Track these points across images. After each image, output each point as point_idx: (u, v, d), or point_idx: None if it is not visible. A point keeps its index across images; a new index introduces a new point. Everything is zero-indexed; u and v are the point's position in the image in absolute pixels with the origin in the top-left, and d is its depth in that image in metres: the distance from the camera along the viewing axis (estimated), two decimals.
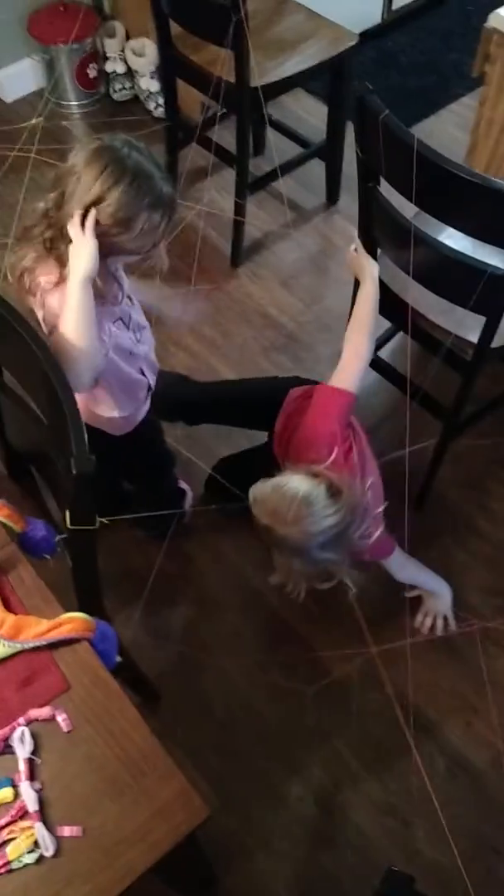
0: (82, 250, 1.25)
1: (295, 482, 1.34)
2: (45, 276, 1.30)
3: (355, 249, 1.69)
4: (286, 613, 1.83)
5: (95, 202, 1.24)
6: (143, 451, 1.72)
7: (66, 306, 1.27)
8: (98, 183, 1.23)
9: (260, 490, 1.36)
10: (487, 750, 1.66)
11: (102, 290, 1.32)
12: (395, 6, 3.05)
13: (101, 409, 1.53)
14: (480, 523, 1.98)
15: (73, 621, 1.05)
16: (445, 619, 1.79)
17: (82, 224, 1.24)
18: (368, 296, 1.61)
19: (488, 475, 2.05)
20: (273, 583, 1.73)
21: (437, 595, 1.78)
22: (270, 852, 1.55)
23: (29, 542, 1.20)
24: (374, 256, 1.67)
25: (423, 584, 1.77)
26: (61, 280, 1.29)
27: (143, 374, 1.55)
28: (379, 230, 1.65)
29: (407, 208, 1.49)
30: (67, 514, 1.07)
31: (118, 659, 1.10)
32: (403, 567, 1.69)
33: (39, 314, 1.33)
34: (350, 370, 1.56)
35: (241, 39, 1.93)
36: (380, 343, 1.97)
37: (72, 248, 1.26)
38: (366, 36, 2.77)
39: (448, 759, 1.65)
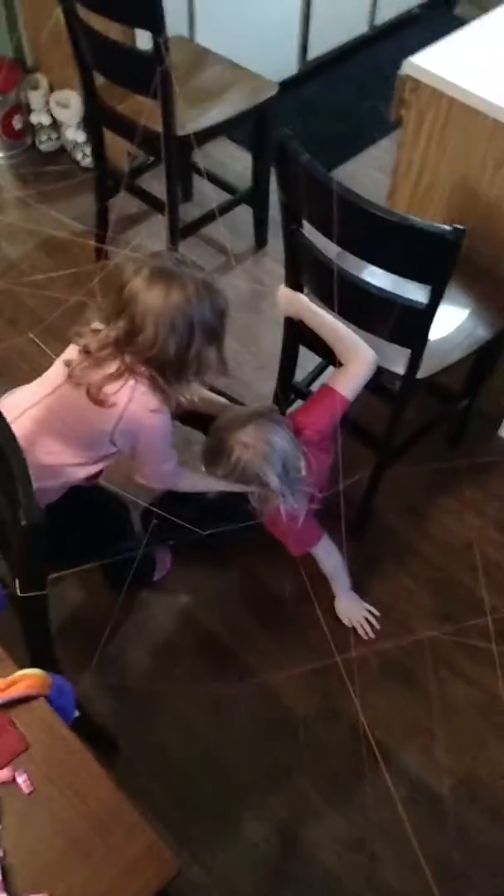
0: None
1: (247, 409, 1.60)
2: (142, 402, 1.42)
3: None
4: (241, 651, 1.83)
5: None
6: (89, 506, 1.70)
7: (197, 483, 1.62)
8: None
9: (222, 418, 1.58)
10: (446, 775, 1.68)
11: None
12: (310, 56, 3.17)
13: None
14: (423, 548, 2.02)
15: (28, 678, 1.03)
16: (370, 622, 1.86)
17: None
18: (324, 319, 1.65)
19: (427, 500, 2.10)
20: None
21: (343, 593, 1.85)
22: None
23: None
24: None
25: (340, 576, 1.83)
26: (161, 408, 1.44)
27: None
28: (304, 271, 1.70)
29: (331, 248, 1.55)
30: (17, 581, 1.06)
31: (76, 713, 1.08)
32: (330, 554, 1.78)
33: (115, 424, 1.44)
34: (354, 378, 1.61)
35: (167, 89, 1.98)
36: (311, 378, 2.02)
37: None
38: (284, 86, 2.87)
39: (409, 787, 1.66)
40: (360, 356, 1.60)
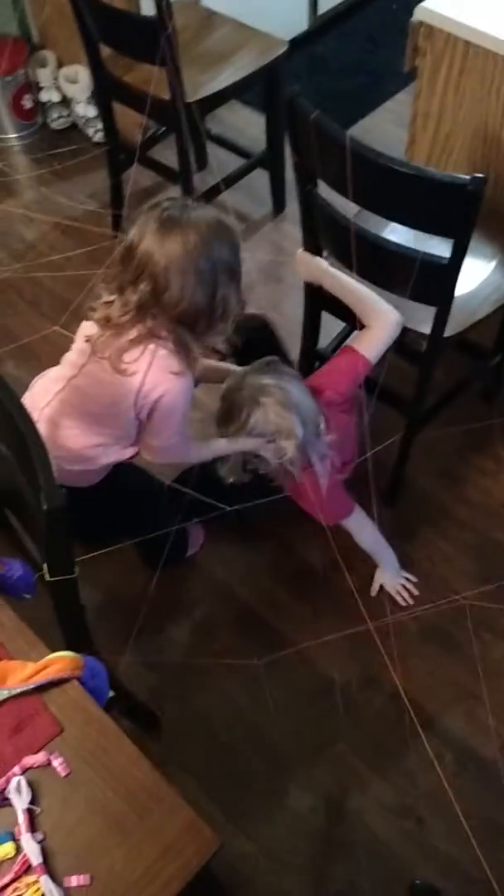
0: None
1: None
2: (164, 365, 1.38)
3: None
4: (278, 623, 1.82)
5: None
6: (125, 488, 1.69)
7: (205, 452, 1.58)
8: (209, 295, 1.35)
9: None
10: (493, 738, 1.65)
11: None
12: (320, 11, 3.07)
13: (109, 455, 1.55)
14: (459, 512, 1.98)
15: (59, 661, 1.02)
16: (407, 589, 1.83)
17: None
18: (344, 281, 1.60)
19: (461, 462, 2.06)
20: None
21: (387, 566, 1.82)
22: (287, 870, 1.53)
23: (6, 583, 1.18)
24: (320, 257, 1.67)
25: (381, 550, 1.80)
26: (183, 370, 1.40)
27: None
28: (321, 232, 1.65)
29: (349, 207, 1.50)
30: (45, 566, 1.06)
31: (110, 693, 1.08)
32: (363, 527, 1.74)
33: (137, 392, 1.40)
34: (377, 339, 1.56)
35: (172, 55, 1.93)
36: (335, 344, 1.98)
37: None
38: (294, 43, 2.79)
39: (454, 751, 1.65)
40: (382, 317, 1.55)
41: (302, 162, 1.54)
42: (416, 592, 1.83)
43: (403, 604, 1.82)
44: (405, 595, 1.82)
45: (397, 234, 1.52)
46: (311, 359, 1.98)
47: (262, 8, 2.61)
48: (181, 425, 1.50)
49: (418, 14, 1.78)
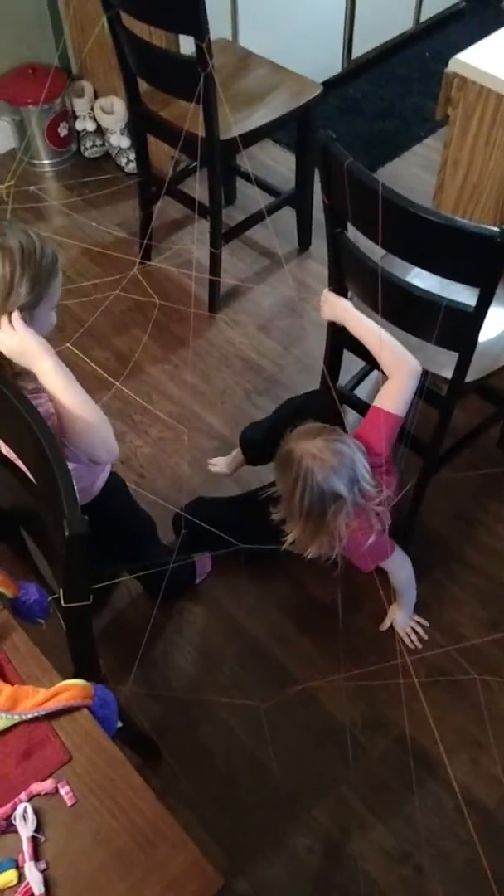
0: (29, 344, 1.27)
1: (314, 423, 1.53)
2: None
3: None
4: (284, 659, 1.82)
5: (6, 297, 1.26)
6: (111, 521, 1.64)
7: (58, 393, 1.28)
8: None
9: (293, 432, 1.52)
10: (496, 787, 1.64)
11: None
12: (354, 55, 3.14)
13: None
14: (471, 556, 1.98)
15: (71, 689, 1.03)
16: (416, 632, 1.84)
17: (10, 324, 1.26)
18: (367, 325, 1.60)
19: (477, 507, 2.06)
20: (276, 520, 1.59)
21: (405, 608, 1.82)
22: None
23: (22, 606, 1.19)
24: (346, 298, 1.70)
25: (409, 592, 1.80)
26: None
27: None
28: (348, 274, 1.67)
29: (376, 250, 1.52)
30: (61, 592, 1.06)
31: (119, 724, 1.08)
32: (402, 565, 1.73)
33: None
34: (400, 392, 1.55)
35: (210, 94, 1.98)
36: (356, 381, 1.99)
37: (20, 350, 1.27)
38: (328, 85, 2.85)
39: (457, 799, 1.63)
40: (403, 367, 1.55)
41: (332, 205, 1.57)
42: (425, 637, 1.82)
43: (412, 646, 1.81)
44: (414, 638, 1.82)
45: (422, 278, 1.54)
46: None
47: (298, 50, 2.67)
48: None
49: (453, 66, 1.82)
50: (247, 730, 1.71)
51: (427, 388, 1.66)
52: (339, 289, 1.72)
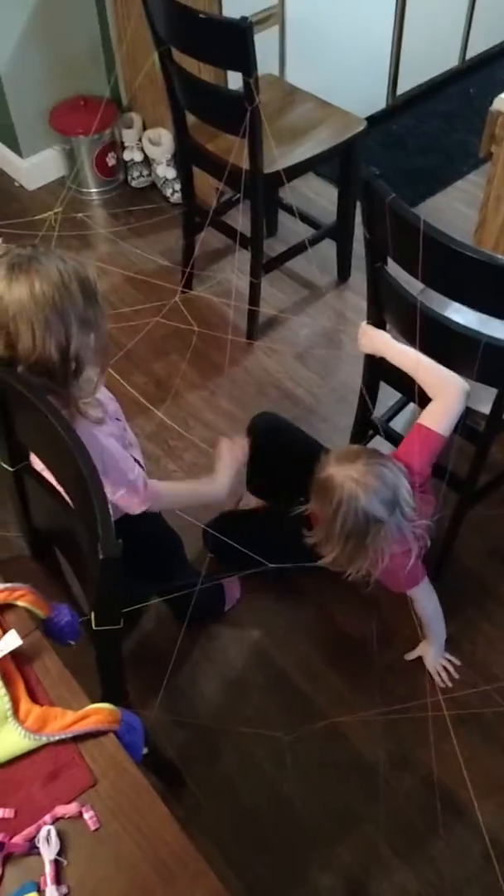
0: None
1: (352, 446, 1.56)
2: None
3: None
4: (312, 692, 1.80)
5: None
6: (140, 538, 1.64)
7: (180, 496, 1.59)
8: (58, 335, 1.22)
9: (326, 456, 1.50)
10: None
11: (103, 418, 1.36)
12: (399, 91, 3.17)
13: None
14: None
15: (99, 713, 1.03)
16: (447, 671, 1.81)
17: None
18: (408, 352, 1.60)
19: None
20: (310, 542, 1.57)
21: (435, 644, 1.80)
22: None
23: (54, 628, 1.20)
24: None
25: (436, 626, 1.78)
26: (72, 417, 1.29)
27: (138, 463, 1.52)
28: (387, 308, 1.68)
29: (414, 283, 1.53)
30: (93, 614, 1.07)
31: (144, 751, 1.08)
32: (429, 596, 1.71)
33: None
34: (446, 411, 1.54)
35: (256, 128, 2.01)
36: (391, 414, 1.99)
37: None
38: (373, 120, 2.88)
39: (484, 844, 1.59)
40: (448, 387, 1.54)
41: (373, 240, 1.58)
42: (456, 676, 1.80)
43: (442, 685, 1.78)
44: (445, 676, 1.79)
45: (461, 313, 1.54)
46: (366, 426, 2.00)
47: (344, 86, 2.71)
48: (118, 471, 1.40)
49: (497, 104, 1.84)
50: (272, 762, 1.70)
51: (465, 423, 1.66)
52: (378, 322, 1.73)
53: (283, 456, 1.88)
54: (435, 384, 1.56)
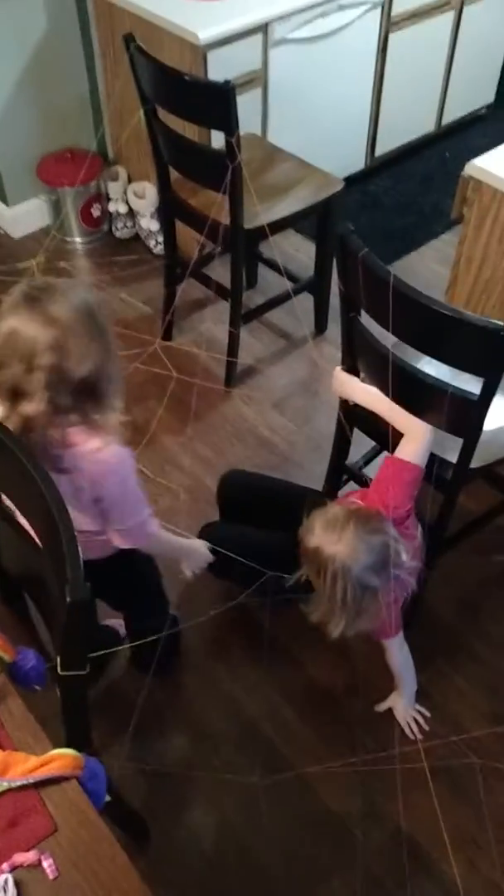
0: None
1: (336, 509, 1.50)
2: (83, 442, 1.32)
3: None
4: (283, 744, 1.78)
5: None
6: (135, 567, 1.69)
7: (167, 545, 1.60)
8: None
9: (310, 520, 1.48)
10: (495, 892, 1.57)
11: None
12: (377, 153, 3.29)
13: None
14: (477, 647, 1.95)
15: (62, 759, 1.02)
16: (418, 722, 1.80)
17: None
18: (374, 395, 1.65)
19: (484, 595, 2.05)
20: (313, 620, 1.56)
21: (405, 695, 1.79)
22: None
23: (19, 672, 1.19)
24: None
25: (407, 677, 1.77)
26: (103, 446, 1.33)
27: None
28: (360, 356, 1.73)
29: (388, 336, 1.57)
30: (59, 659, 1.07)
31: (107, 798, 1.07)
32: (402, 648, 1.72)
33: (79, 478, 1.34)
34: (415, 445, 1.57)
35: (237, 185, 2.08)
36: (365, 461, 2.02)
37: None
38: (351, 180, 2.99)
39: None
40: (418, 425, 1.58)
41: (347, 292, 1.63)
42: (426, 728, 1.79)
43: (412, 737, 1.78)
44: (415, 728, 1.78)
45: (433, 365, 1.59)
46: (340, 472, 2.02)
47: (324, 147, 2.82)
48: (138, 499, 1.44)
49: (468, 169, 1.91)
50: (239, 814, 1.67)
51: (435, 473, 1.69)
52: (352, 369, 1.77)
53: (257, 502, 1.90)
54: (405, 422, 1.60)
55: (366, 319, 1.65)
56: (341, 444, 1.98)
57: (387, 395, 1.62)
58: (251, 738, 1.79)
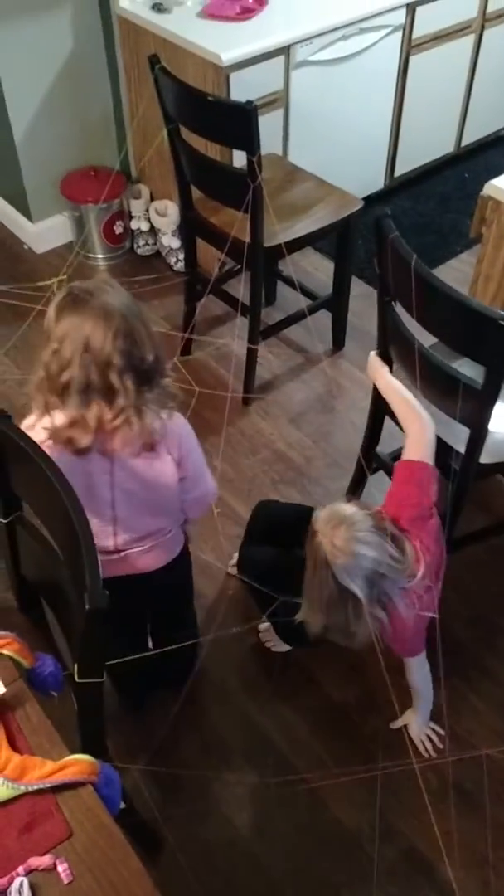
0: None
1: (345, 505, 1.48)
2: (126, 445, 1.38)
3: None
4: (295, 758, 1.78)
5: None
6: (185, 572, 1.74)
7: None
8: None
9: (321, 509, 1.49)
10: None
11: None
12: (397, 173, 3.32)
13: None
14: (493, 665, 1.95)
15: (77, 764, 1.04)
16: (432, 740, 1.80)
17: None
18: (394, 385, 1.69)
19: (495, 610, 2.04)
20: (298, 618, 1.56)
21: (421, 713, 1.79)
22: None
23: (37, 678, 1.21)
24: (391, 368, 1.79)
25: (425, 695, 1.76)
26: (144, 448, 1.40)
27: None
28: (391, 340, 1.76)
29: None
30: (76, 667, 1.08)
31: (122, 805, 1.08)
32: (423, 666, 1.71)
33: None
34: (416, 441, 1.58)
35: (258, 204, 2.11)
36: (397, 455, 2.02)
37: None
38: (370, 200, 3.01)
39: None
40: (416, 421, 1.60)
41: (383, 276, 1.66)
42: (440, 745, 1.78)
43: (426, 755, 1.77)
44: (429, 746, 1.78)
45: (471, 366, 1.58)
46: (370, 460, 2.04)
47: (344, 167, 2.85)
48: (205, 463, 1.57)
49: (488, 189, 1.94)
50: (251, 827, 1.68)
51: (448, 463, 1.70)
52: (384, 354, 1.79)
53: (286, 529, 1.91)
54: (405, 416, 1.63)
55: (401, 310, 1.67)
56: (372, 430, 2.00)
57: (413, 382, 1.64)
58: (264, 751, 1.80)
